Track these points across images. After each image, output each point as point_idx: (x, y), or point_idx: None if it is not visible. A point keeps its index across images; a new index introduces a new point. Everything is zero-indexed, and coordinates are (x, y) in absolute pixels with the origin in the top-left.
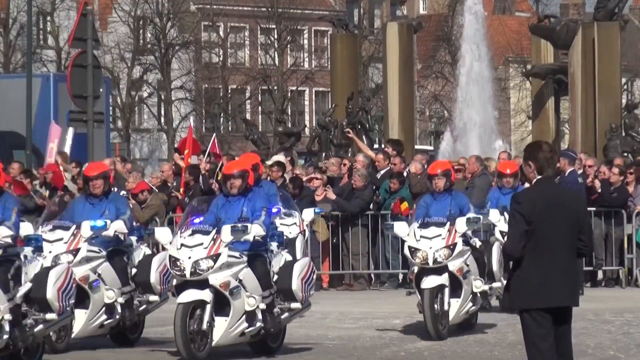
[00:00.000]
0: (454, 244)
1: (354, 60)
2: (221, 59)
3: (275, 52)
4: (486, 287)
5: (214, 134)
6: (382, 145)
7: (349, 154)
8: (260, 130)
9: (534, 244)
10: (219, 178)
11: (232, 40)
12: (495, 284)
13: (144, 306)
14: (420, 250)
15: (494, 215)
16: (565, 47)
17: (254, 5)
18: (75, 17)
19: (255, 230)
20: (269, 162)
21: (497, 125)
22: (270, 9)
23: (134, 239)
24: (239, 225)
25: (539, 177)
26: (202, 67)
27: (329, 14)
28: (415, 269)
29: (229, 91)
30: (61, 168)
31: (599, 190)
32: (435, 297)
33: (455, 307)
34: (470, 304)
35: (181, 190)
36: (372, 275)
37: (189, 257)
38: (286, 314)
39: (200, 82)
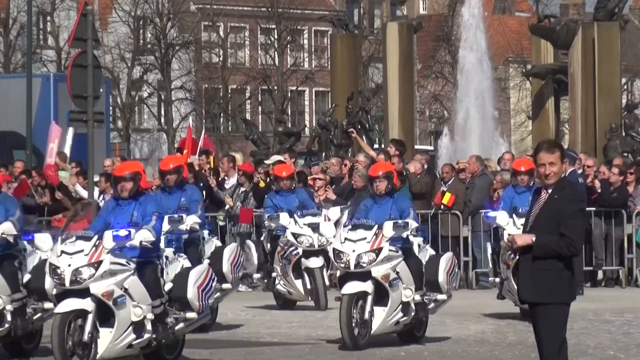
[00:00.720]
0: (379, 249)
1: (354, 60)
2: (221, 59)
3: (275, 52)
4: (418, 298)
5: (203, 130)
6: (383, 145)
7: (349, 154)
8: (260, 130)
9: None
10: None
11: (232, 40)
12: (440, 296)
13: (39, 314)
14: (344, 253)
15: (502, 218)
16: (565, 47)
17: (254, 5)
18: (75, 17)
19: (142, 236)
20: (268, 162)
21: (497, 125)
22: (270, 9)
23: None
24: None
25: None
26: (202, 67)
27: (329, 14)
28: (338, 272)
29: (229, 91)
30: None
31: (599, 190)
32: (356, 304)
33: (380, 317)
34: (401, 314)
35: None
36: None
37: (69, 265)
38: (181, 324)
39: (200, 82)
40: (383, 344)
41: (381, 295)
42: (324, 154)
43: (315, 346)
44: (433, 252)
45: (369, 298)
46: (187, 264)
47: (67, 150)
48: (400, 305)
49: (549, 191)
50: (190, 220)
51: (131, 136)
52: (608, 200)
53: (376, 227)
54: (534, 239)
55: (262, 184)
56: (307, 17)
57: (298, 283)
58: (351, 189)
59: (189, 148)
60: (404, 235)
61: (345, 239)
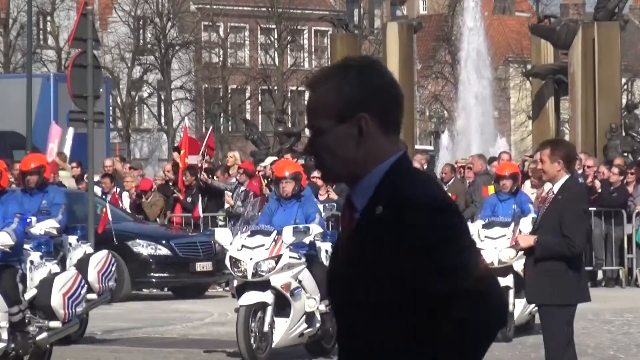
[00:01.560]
0: (279, 256)
1: None
2: (221, 59)
3: (275, 52)
4: (323, 308)
5: (210, 128)
6: None
7: None
8: (260, 130)
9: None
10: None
11: (232, 40)
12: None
13: (43, 334)
14: (241, 262)
15: (526, 226)
16: (565, 47)
17: (254, 5)
18: (75, 17)
19: (1, 239)
20: (263, 163)
21: (497, 125)
22: (270, 9)
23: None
24: None
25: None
26: (202, 67)
27: (329, 14)
28: (235, 282)
29: (229, 91)
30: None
31: (599, 190)
32: (254, 316)
33: (282, 328)
34: (305, 325)
35: (180, 189)
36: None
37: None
38: (44, 334)
39: (200, 82)
40: (287, 357)
41: (282, 306)
42: None
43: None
44: (57, 270)
45: (269, 309)
46: (56, 269)
47: (67, 150)
48: (304, 316)
49: (555, 191)
50: (46, 225)
51: (131, 136)
52: (608, 200)
53: (275, 232)
54: (536, 239)
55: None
56: (307, 17)
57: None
58: None
59: (186, 148)
60: (307, 240)
61: (243, 246)
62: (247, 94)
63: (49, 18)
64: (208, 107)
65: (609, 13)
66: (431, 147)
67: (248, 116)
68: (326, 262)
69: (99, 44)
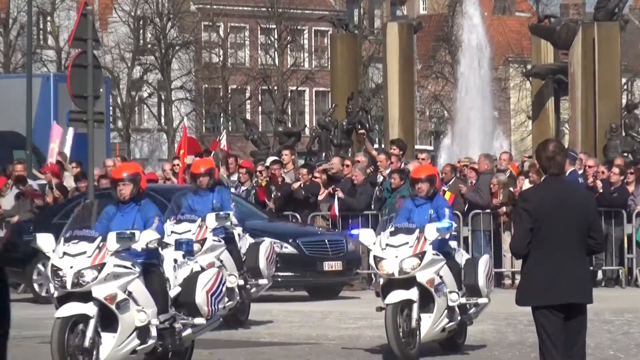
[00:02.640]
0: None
1: (354, 60)
2: (221, 59)
3: (275, 52)
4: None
5: (224, 131)
6: (383, 145)
7: (349, 154)
8: (260, 130)
9: (541, 242)
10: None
11: (232, 40)
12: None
13: (188, 330)
14: (62, 270)
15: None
16: (565, 47)
17: (254, 5)
18: (75, 17)
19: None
20: (266, 163)
21: (497, 126)
22: (270, 9)
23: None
24: None
25: (545, 175)
26: (202, 67)
27: (329, 14)
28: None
29: (229, 91)
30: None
31: (600, 190)
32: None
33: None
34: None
35: None
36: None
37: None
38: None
39: (200, 82)
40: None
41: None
42: (324, 154)
43: (315, 346)
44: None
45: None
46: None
47: (67, 150)
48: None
49: None
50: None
51: (131, 136)
52: (608, 200)
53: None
54: None
55: (263, 183)
56: (307, 17)
57: None
58: (351, 185)
59: (186, 148)
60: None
61: (64, 253)
62: (247, 94)
63: (49, 18)
64: (208, 107)
65: (609, 13)
66: (431, 147)
67: (248, 116)
68: (172, 271)
69: (99, 44)
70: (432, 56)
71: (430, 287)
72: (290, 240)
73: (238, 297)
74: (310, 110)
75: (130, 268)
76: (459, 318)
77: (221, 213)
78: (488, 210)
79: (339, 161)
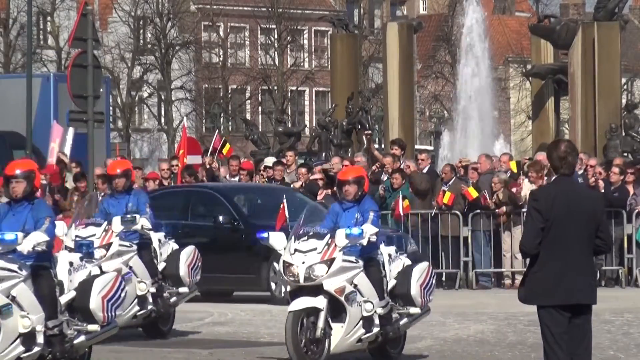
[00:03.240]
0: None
1: (354, 60)
2: (221, 59)
3: (275, 52)
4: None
5: (217, 131)
6: (383, 145)
7: (349, 154)
8: (260, 130)
9: (551, 241)
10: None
11: (232, 40)
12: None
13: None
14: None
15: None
16: (565, 47)
17: (254, 5)
18: (75, 17)
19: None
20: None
21: (497, 126)
22: (270, 9)
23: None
24: None
25: (556, 176)
26: (202, 67)
27: (329, 14)
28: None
29: (229, 91)
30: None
31: (602, 190)
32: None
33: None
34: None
35: None
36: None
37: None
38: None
39: (200, 82)
40: None
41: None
42: (324, 154)
43: None
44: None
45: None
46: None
47: (67, 150)
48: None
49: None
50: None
51: (131, 136)
52: (609, 200)
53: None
54: None
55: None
56: (307, 17)
57: None
58: None
59: (185, 148)
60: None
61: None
62: (247, 94)
63: (49, 18)
64: (208, 107)
65: (609, 13)
66: (431, 147)
67: (248, 116)
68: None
69: (99, 44)
70: (432, 56)
71: (340, 296)
72: None
73: (152, 306)
74: (310, 110)
75: (16, 271)
76: (377, 329)
77: (128, 216)
78: (488, 210)
79: (339, 161)
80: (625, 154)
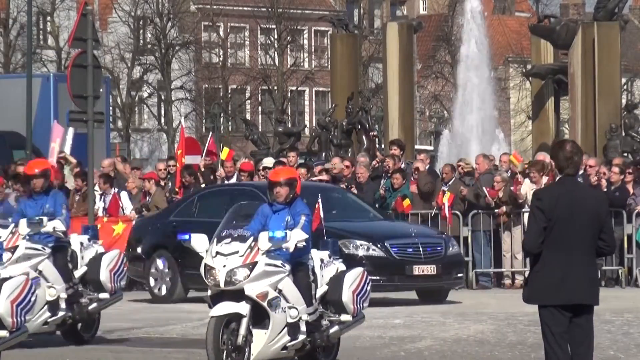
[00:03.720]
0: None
1: (354, 60)
2: (221, 59)
3: (275, 52)
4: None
5: (211, 133)
6: (383, 145)
7: (349, 154)
8: (260, 130)
9: (554, 241)
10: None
11: (232, 40)
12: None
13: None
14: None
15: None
16: (565, 47)
17: (254, 5)
18: (75, 17)
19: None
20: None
21: (497, 126)
22: (270, 9)
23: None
24: None
25: (560, 175)
26: (202, 67)
27: (329, 14)
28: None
29: (229, 91)
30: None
31: (605, 189)
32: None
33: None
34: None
35: (177, 190)
36: None
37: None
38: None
39: (200, 82)
40: None
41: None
42: (324, 154)
43: None
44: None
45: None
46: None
47: (67, 150)
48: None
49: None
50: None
51: (131, 136)
52: (611, 199)
53: (252, 239)
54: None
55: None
56: (307, 17)
57: None
58: (356, 183)
59: (183, 148)
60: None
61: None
62: (247, 94)
63: (49, 18)
64: (208, 107)
65: (609, 13)
66: (431, 147)
67: (248, 116)
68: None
69: (99, 44)
70: (432, 56)
71: (262, 301)
72: (378, 243)
73: (65, 312)
74: (310, 110)
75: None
76: (304, 336)
77: (36, 218)
78: (488, 211)
79: (338, 161)
80: (625, 154)
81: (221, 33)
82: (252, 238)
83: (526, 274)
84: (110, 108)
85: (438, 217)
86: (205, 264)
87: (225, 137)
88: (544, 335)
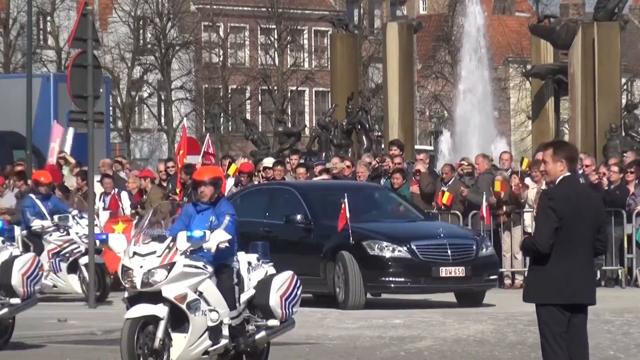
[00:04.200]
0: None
1: (354, 60)
2: (221, 59)
3: (275, 52)
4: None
5: (208, 135)
6: (383, 146)
7: (349, 154)
8: (260, 130)
9: (561, 240)
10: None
11: (232, 40)
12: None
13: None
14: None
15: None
16: (565, 47)
17: (254, 5)
18: (75, 17)
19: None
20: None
21: (497, 126)
22: (270, 9)
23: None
24: None
25: (567, 174)
26: (202, 67)
27: (329, 14)
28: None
29: (229, 91)
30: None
31: (605, 188)
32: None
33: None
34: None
35: (177, 190)
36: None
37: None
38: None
39: (200, 82)
40: None
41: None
42: (324, 154)
43: (315, 346)
44: (273, 271)
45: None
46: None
47: (67, 150)
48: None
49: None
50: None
51: (131, 136)
52: (611, 198)
53: (170, 239)
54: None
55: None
56: (307, 17)
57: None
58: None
59: (185, 148)
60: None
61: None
62: (247, 94)
63: (49, 18)
64: (208, 107)
65: (609, 13)
66: (431, 147)
67: (248, 116)
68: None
69: (99, 44)
70: (432, 56)
71: (180, 303)
72: (403, 244)
73: (226, 340)
74: (310, 110)
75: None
76: (226, 340)
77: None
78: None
79: (338, 161)
80: (625, 154)
81: (221, 33)
82: (170, 238)
83: (526, 274)
84: (110, 108)
85: (438, 217)
86: (123, 265)
87: (225, 137)
88: (543, 335)
